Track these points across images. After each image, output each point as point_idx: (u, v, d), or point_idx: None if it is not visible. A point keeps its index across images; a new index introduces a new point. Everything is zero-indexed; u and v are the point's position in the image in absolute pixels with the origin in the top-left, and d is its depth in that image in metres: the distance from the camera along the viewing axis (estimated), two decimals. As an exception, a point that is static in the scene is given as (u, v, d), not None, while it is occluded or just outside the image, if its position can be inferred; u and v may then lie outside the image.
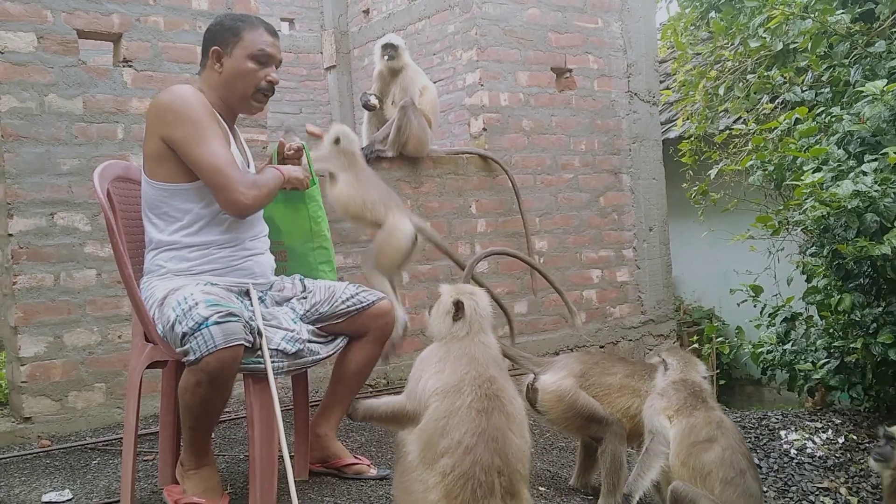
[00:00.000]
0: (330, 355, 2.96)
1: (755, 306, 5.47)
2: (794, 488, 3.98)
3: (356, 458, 3.21)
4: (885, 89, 4.16)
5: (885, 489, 2.94)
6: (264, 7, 7.77)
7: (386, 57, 5.08)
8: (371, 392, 4.61)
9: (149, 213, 2.82)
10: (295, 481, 2.58)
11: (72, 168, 3.99)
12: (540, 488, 3.32)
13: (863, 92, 4.28)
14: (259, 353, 2.62)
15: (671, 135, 7.57)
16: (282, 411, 2.67)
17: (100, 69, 4.11)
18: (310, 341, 2.84)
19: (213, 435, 2.93)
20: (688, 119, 6.76)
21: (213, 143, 2.68)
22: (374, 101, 5.13)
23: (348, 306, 2.97)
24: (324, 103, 8.65)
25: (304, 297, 2.98)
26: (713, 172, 5.99)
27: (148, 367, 2.84)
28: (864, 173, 4.05)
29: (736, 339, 6.88)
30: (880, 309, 4.28)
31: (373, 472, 3.16)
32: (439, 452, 2.23)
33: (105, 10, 4.09)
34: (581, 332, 4.80)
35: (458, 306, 2.53)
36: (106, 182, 2.77)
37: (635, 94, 6.18)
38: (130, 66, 4.17)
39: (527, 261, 4.60)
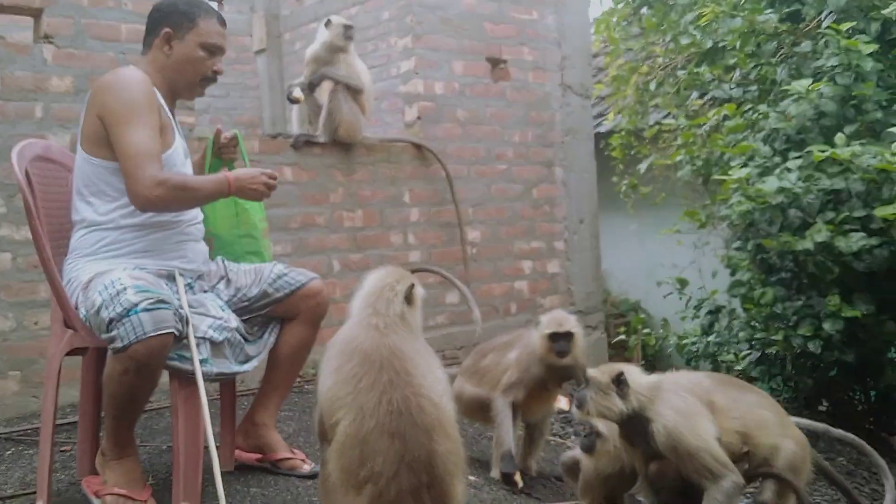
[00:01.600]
0: (261, 354, 2.91)
1: (681, 299, 5.58)
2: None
3: (292, 451, 3.13)
4: (809, 88, 4.27)
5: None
6: (194, -13, 7.55)
7: (347, 38, 4.93)
8: (300, 382, 4.54)
9: (83, 191, 2.74)
10: (221, 473, 2.52)
11: (-13, 146, 3.81)
12: (470, 478, 3.32)
13: (789, 90, 4.39)
14: (185, 341, 2.55)
15: (602, 129, 7.67)
16: (208, 400, 2.61)
17: (19, 45, 3.94)
18: (238, 331, 2.79)
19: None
20: (619, 113, 6.84)
21: (141, 130, 2.62)
22: (297, 93, 4.99)
23: (277, 288, 2.92)
24: (253, 87, 8.47)
25: (228, 280, 2.93)
26: (643, 167, 6.09)
27: (67, 355, 2.73)
28: (789, 170, 4.16)
29: (661, 331, 7.02)
30: (801, 302, 4.40)
31: (307, 468, 3.07)
32: (361, 479, 2.12)
33: (25, -18, 3.92)
34: (479, 330, 4.83)
35: (411, 291, 2.37)
36: (25, 162, 2.66)
37: (569, 87, 6.22)
38: (51, 43, 4.00)
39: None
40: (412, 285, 2.39)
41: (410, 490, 2.10)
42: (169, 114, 2.82)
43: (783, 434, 2.75)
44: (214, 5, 8.98)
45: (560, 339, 3.30)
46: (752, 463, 2.67)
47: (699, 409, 2.58)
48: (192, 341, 2.56)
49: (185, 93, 2.91)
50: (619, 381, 2.58)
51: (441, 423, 2.20)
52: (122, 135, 2.61)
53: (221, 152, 3.13)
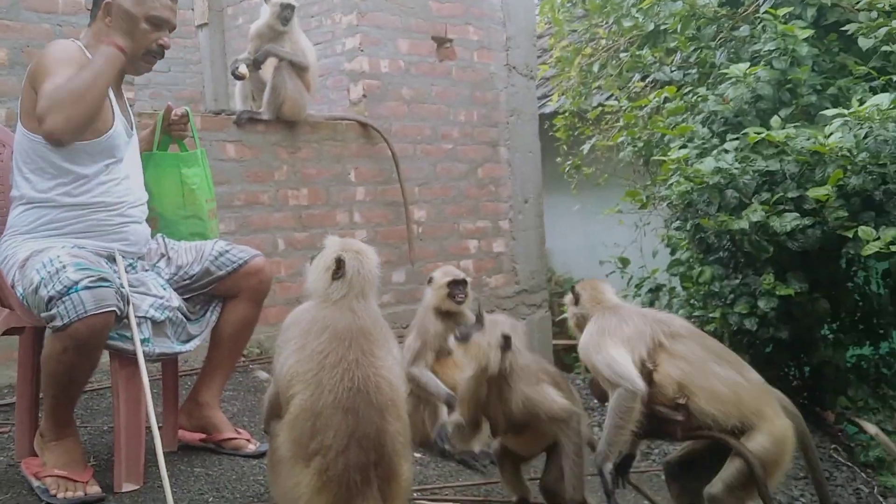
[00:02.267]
0: (203, 333, 2.89)
1: (622, 277, 5.67)
2: (656, 451, 4.17)
3: (237, 431, 3.12)
4: (747, 72, 4.36)
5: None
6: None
7: (283, 19, 4.85)
8: (244, 361, 4.51)
9: (22, 167, 2.67)
10: (164, 453, 2.50)
11: (-85, 120, 3.69)
12: (416, 455, 3.35)
13: (727, 74, 4.48)
14: (126, 320, 2.52)
15: (547, 110, 7.71)
16: (150, 380, 2.59)
17: (-52, 14, 3.80)
18: (180, 310, 2.77)
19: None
20: (563, 94, 6.89)
21: (57, 78, 2.52)
22: (242, 69, 4.92)
23: (219, 265, 2.90)
24: (195, 62, 8.30)
25: (169, 258, 2.89)
26: (586, 147, 6.16)
27: (3, 334, 2.70)
28: (726, 151, 4.25)
29: (603, 309, 7.13)
30: (737, 281, 4.51)
31: (251, 447, 3.07)
32: (310, 452, 2.14)
33: (-46, -51, 3.78)
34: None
35: (340, 264, 2.33)
36: (-43, 136, 2.59)
37: (514, 67, 6.25)
38: (-16, 14, 3.88)
39: None
40: (339, 258, 2.36)
41: (358, 466, 2.13)
42: (109, 92, 2.72)
43: (747, 420, 2.60)
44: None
45: (458, 285, 3.49)
46: (692, 420, 2.63)
47: (622, 333, 2.66)
48: (133, 321, 2.53)
49: (129, 66, 2.81)
50: (574, 292, 2.88)
51: (395, 403, 2.24)
52: (42, 87, 2.53)
53: (171, 129, 3.10)
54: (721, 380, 2.62)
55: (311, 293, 2.39)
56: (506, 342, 2.62)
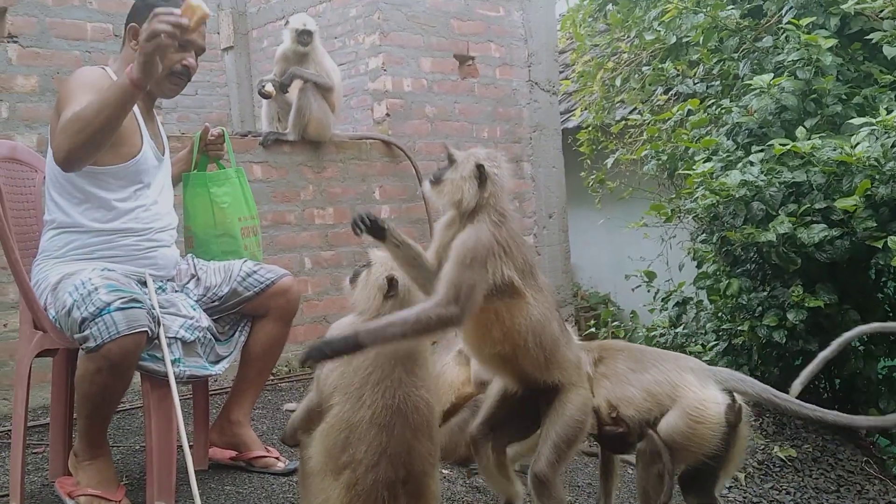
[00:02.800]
0: (231, 354, 2.92)
1: (649, 291, 5.65)
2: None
3: (267, 449, 3.15)
4: (771, 83, 4.34)
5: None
6: (159, -16, 7.48)
7: (301, 43, 4.91)
8: (273, 380, 4.55)
9: (52, 192, 2.71)
10: (195, 471, 2.53)
11: (-49, 147, 3.76)
12: (443, 471, 3.35)
13: (751, 85, 4.45)
14: (157, 341, 2.55)
15: (570, 124, 7.72)
16: (180, 399, 2.61)
17: (-19, 44, 3.90)
18: (210, 330, 2.80)
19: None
20: (586, 109, 6.89)
21: (76, 105, 2.51)
22: (269, 88, 4.98)
23: (247, 286, 2.93)
24: (221, 85, 8.42)
25: (198, 279, 2.92)
26: (610, 162, 6.15)
27: (37, 356, 2.73)
28: (752, 163, 4.23)
29: (630, 323, 7.10)
30: (765, 293, 4.47)
31: (281, 465, 3.10)
32: (341, 465, 2.17)
33: (-13, -20, 3.88)
34: None
35: (392, 284, 2.31)
36: (-9, 162, 2.65)
37: (536, 83, 6.27)
38: (16, 42, 3.97)
39: None
40: (392, 278, 2.34)
41: (386, 482, 2.15)
42: (138, 116, 2.78)
43: (665, 408, 2.64)
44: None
45: None
46: (633, 432, 2.66)
47: None
48: (164, 342, 2.56)
49: (155, 88, 2.83)
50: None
51: (428, 423, 2.27)
52: (63, 114, 2.52)
53: (208, 149, 3.14)
54: (633, 384, 2.74)
55: (357, 308, 2.37)
56: (479, 171, 2.35)
